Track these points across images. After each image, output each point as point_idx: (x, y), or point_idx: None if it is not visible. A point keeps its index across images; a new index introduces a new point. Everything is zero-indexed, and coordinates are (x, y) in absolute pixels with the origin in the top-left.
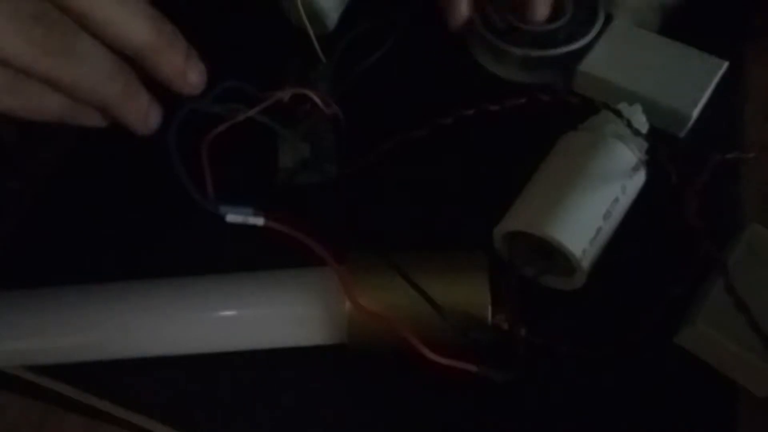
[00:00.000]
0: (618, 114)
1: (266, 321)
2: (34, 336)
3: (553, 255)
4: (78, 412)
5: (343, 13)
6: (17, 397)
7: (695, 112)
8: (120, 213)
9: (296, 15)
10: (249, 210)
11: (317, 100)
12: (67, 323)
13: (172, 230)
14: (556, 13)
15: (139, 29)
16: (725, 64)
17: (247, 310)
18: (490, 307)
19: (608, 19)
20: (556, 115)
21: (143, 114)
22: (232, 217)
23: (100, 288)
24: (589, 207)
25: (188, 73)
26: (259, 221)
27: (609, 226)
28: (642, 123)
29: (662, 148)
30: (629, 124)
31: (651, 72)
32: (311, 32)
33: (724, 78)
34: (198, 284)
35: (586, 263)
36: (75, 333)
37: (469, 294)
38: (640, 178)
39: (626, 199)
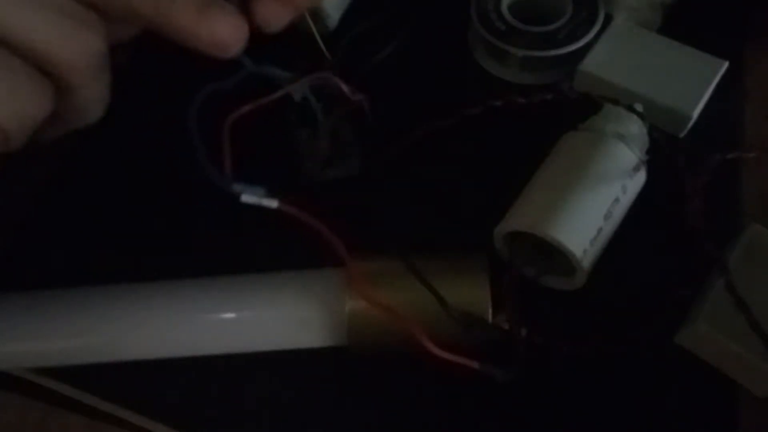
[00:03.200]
0: (629, 109)
1: (267, 324)
2: (33, 339)
3: (553, 255)
4: (79, 412)
5: (344, 13)
6: (17, 397)
7: (695, 112)
8: (120, 214)
9: (298, 16)
10: (262, 190)
11: (343, 86)
12: (67, 326)
13: (173, 231)
14: (556, 13)
15: None
16: (725, 64)
17: (248, 312)
18: (490, 308)
19: (608, 19)
20: (556, 115)
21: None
22: (247, 197)
23: (100, 290)
24: (590, 207)
25: (209, 29)
26: (273, 203)
27: (610, 227)
28: (642, 123)
29: (662, 149)
30: (635, 113)
31: (651, 72)
32: (316, 32)
33: (724, 78)
34: (198, 287)
35: (586, 263)
36: (75, 336)
37: (469, 294)
38: (640, 178)
39: (627, 199)
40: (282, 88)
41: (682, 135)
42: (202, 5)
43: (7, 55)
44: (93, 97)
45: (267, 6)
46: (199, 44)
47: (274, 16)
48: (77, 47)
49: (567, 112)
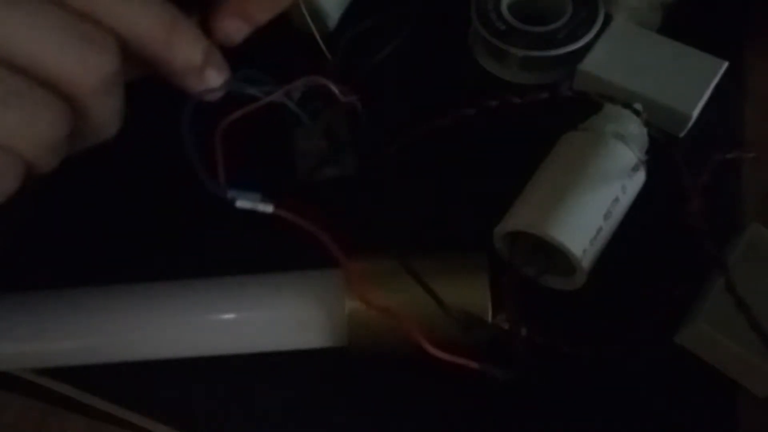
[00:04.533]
0: (629, 109)
1: (267, 324)
2: (33, 339)
3: (553, 255)
4: (78, 412)
5: (344, 13)
6: (17, 397)
7: (695, 112)
8: (120, 215)
9: (298, 16)
10: (258, 196)
11: (334, 88)
12: (66, 327)
13: (172, 233)
14: (556, 13)
15: (149, 21)
16: (725, 64)
17: (248, 313)
18: (490, 308)
19: (608, 19)
20: (556, 115)
21: (195, 56)
22: (242, 203)
23: (100, 291)
24: (590, 207)
25: (208, 71)
26: (269, 208)
27: (609, 226)
28: (642, 123)
29: (662, 148)
30: (634, 113)
31: (651, 72)
32: (316, 32)
33: (724, 78)
34: (198, 287)
35: (586, 263)
36: (74, 336)
37: (469, 294)
38: (640, 178)
39: (626, 199)
40: (269, 95)
41: (681, 135)
42: (206, 49)
43: (20, 80)
44: (108, 115)
45: (226, 21)
46: (194, 84)
47: (233, 30)
48: (91, 68)
49: (567, 112)
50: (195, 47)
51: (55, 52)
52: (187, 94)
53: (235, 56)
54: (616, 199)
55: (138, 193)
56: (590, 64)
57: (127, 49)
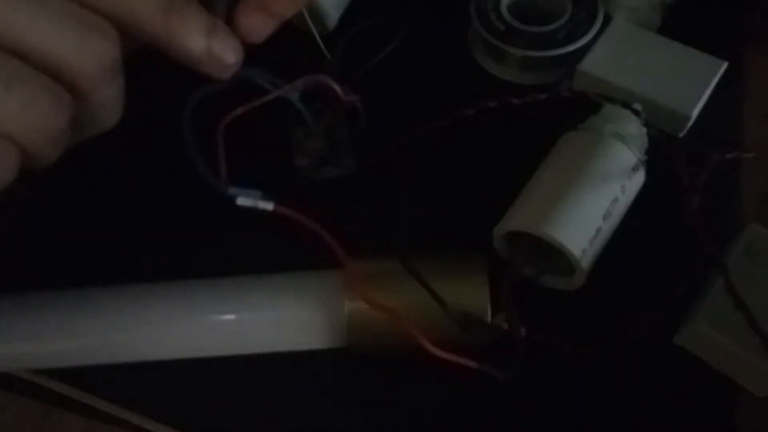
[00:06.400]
0: (628, 109)
1: (266, 325)
2: (33, 340)
3: (552, 255)
4: (77, 411)
5: (344, 13)
6: (17, 397)
7: (695, 112)
8: (120, 216)
9: (297, 16)
10: (258, 193)
11: (336, 86)
12: (66, 327)
13: (171, 233)
14: (555, 14)
15: (145, 5)
16: (725, 64)
17: (248, 314)
18: (489, 307)
19: (607, 19)
20: (556, 115)
21: (201, 34)
22: (243, 200)
23: (99, 291)
24: (589, 207)
25: (215, 52)
26: (269, 206)
27: (608, 226)
28: (641, 123)
29: (661, 149)
30: (635, 114)
31: (651, 72)
32: (315, 32)
33: (723, 78)
34: (197, 288)
35: (585, 263)
36: (74, 337)
37: (468, 294)
38: (639, 178)
39: (626, 199)
40: (273, 90)
41: (681, 135)
42: (210, 29)
43: (21, 65)
44: (108, 104)
45: (251, 17)
46: (203, 66)
47: (258, 27)
48: (91, 54)
49: (566, 112)
50: (197, 28)
51: (55, 38)
52: (199, 77)
53: None
54: (616, 199)
55: (138, 191)
56: (589, 65)
57: (128, 35)
